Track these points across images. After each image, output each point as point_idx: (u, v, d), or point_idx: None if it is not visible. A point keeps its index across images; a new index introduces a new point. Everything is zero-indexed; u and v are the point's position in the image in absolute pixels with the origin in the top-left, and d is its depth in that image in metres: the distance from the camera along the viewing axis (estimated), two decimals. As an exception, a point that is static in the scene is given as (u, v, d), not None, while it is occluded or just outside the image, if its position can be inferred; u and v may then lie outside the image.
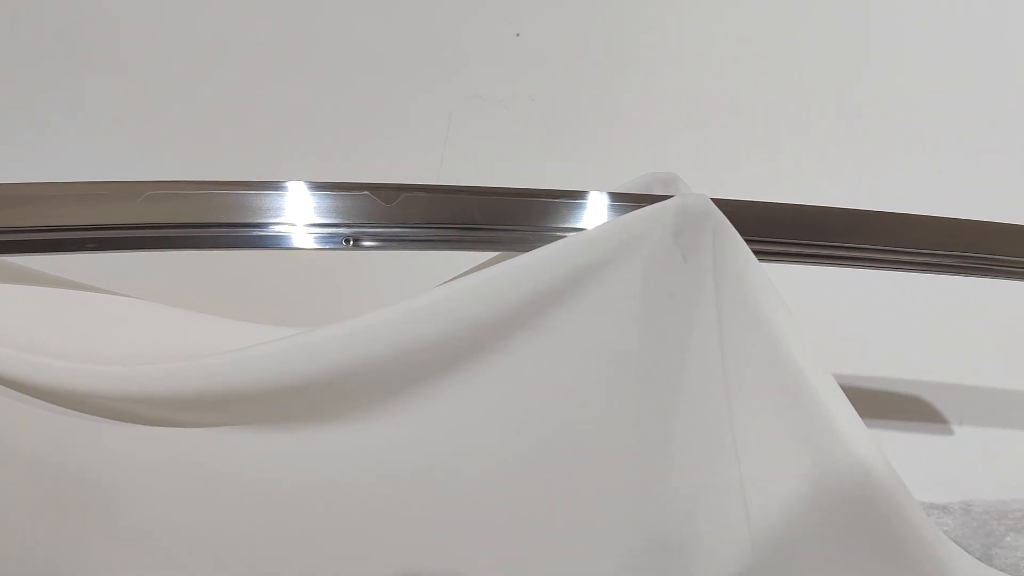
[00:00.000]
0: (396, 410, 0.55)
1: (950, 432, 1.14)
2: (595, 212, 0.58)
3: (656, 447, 0.57)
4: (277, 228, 0.59)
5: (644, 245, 0.55)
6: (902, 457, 1.12)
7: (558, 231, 0.57)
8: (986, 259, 0.69)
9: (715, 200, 0.61)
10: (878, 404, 1.13)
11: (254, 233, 0.59)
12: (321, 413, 0.54)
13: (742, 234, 0.61)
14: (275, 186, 0.57)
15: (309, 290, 0.92)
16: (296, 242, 0.58)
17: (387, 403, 0.55)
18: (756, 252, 0.62)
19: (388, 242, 0.57)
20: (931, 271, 0.69)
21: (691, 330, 0.56)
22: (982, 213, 0.74)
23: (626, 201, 0.58)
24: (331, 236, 0.58)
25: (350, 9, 0.92)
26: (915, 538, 0.56)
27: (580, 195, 0.58)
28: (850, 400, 1.10)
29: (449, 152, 0.97)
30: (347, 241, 0.58)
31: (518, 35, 0.94)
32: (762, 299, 0.57)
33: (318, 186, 0.58)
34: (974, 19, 0.99)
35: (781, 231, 0.62)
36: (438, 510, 0.55)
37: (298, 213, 0.57)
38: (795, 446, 0.58)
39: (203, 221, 0.58)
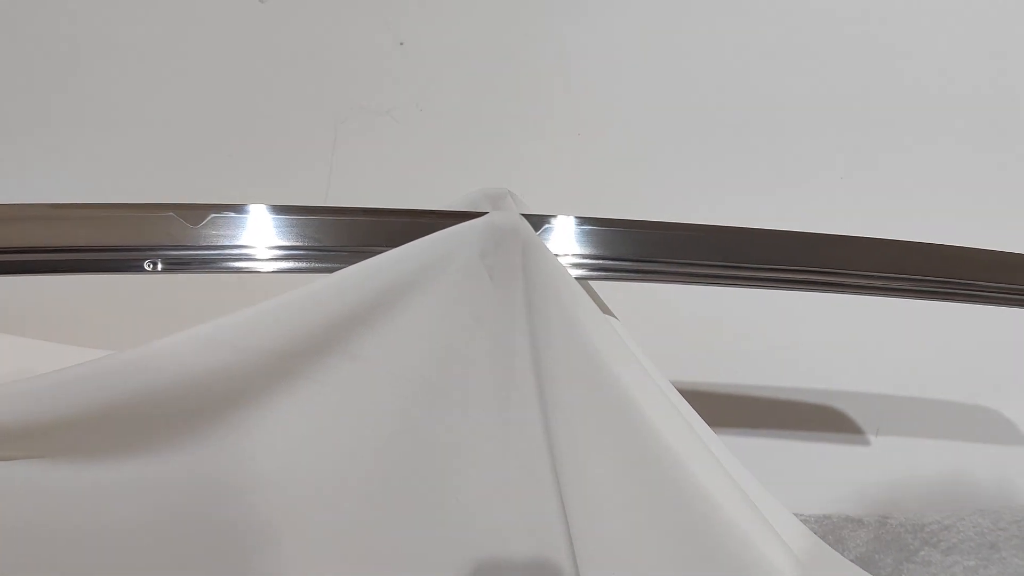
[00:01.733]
0: (192, 441, 0.52)
1: (866, 443, 1.12)
2: (406, 231, 0.55)
3: (470, 475, 0.54)
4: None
5: (449, 265, 0.53)
6: (817, 469, 1.11)
7: (366, 251, 0.55)
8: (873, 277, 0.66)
9: (539, 216, 0.59)
10: (793, 415, 1.11)
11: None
12: (109, 446, 0.51)
13: (578, 252, 0.59)
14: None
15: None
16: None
17: (183, 434, 0.52)
18: (593, 269, 0.60)
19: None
20: (821, 290, 0.67)
21: (502, 354, 0.54)
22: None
23: (443, 219, 0.56)
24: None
25: (227, 20, 0.90)
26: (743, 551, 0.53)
27: (390, 213, 0.55)
28: (768, 411, 1.09)
29: (337, 164, 0.95)
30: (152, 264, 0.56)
31: (401, 44, 0.92)
32: (579, 319, 0.54)
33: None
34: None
35: (615, 248, 0.60)
36: (236, 545, 0.53)
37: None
38: (621, 470, 0.56)
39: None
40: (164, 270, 0.55)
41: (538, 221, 0.59)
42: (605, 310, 0.68)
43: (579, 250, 0.59)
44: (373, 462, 0.54)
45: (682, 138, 0.97)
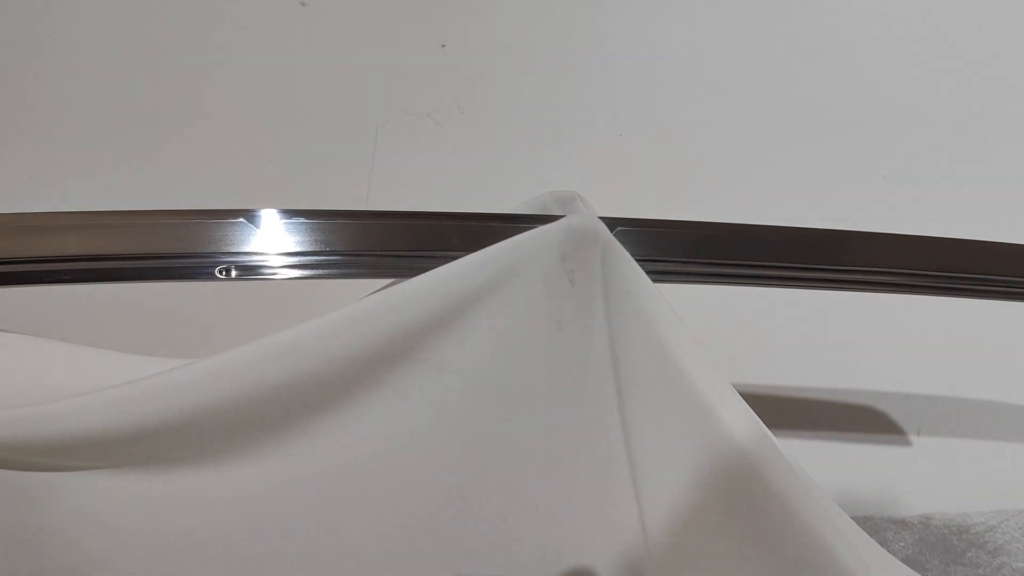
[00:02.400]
0: (270, 453, 0.52)
1: (908, 444, 1.11)
2: (482, 235, 0.54)
3: (549, 481, 0.54)
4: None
5: (528, 270, 0.52)
6: (860, 470, 1.10)
7: (442, 256, 0.54)
8: (931, 275, 0.65)
9: (612, 219, 0.58)
10: (835, 416, 1.10)
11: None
12: (190, 456, 0.51)
13: (644, 254, 0.58)
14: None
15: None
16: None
17: (264, 444, 0.52)
18: (662, 272, 0.59)
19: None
20: (860, 289, 0.66)
21: (582, 358, 0.53)
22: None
23: (516, 222, 0.55)
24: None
25: (268, 23, 0.89)
26: (796, 525, 0.52)
27: (466, 217, 0.55)
28: (807, 412, 1.08)
29: (378, 168, 0.94)
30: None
31: (443, 46, 0.91)
32: (657, 323, 0.54)
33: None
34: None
35: (684, 250, 0.59)
36: (318, 554, 0.52)
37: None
38: (699, 480, 0.55)
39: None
40: (237, 277, 0.54)
41: (611, 224, 0.58)
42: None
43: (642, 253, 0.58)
44: (453, 468, 0.53)
45: (727, 139, 0.96)
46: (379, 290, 0.54)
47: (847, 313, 1.06)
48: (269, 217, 0.54)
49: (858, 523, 1.05)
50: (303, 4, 0.89)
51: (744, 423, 0.56)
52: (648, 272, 0.59)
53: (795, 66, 0.96)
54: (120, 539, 0.51)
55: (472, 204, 0.96)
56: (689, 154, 0.97)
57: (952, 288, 0.66)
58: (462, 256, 0.52)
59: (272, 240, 0.54)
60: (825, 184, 0.97)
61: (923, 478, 1.09)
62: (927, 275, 0.65)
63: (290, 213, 0.54)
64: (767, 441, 0.57)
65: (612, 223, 0.58)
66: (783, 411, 1.08)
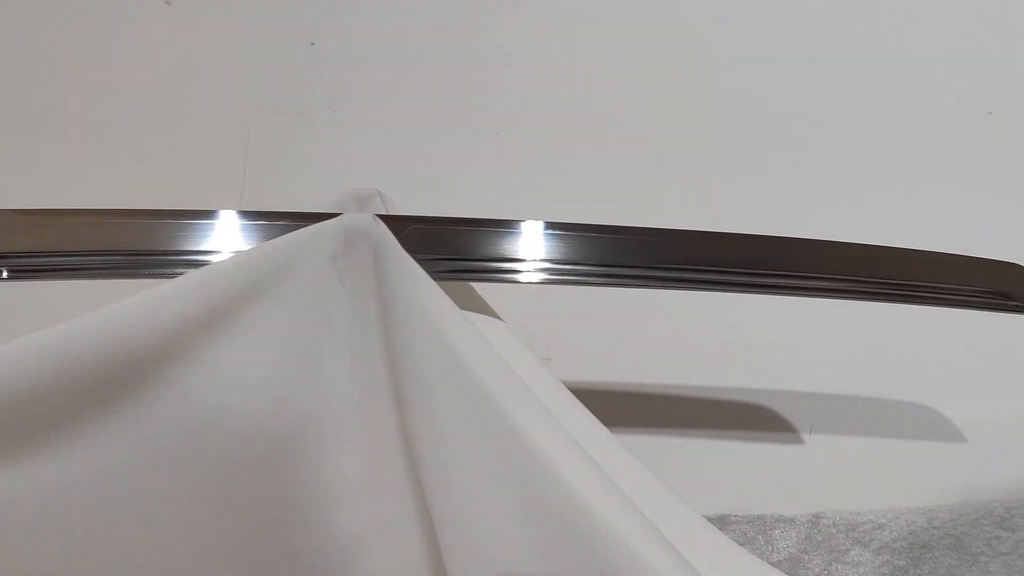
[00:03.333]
0: (38, 455, 0.51)
1: (800, 442, 1.10)
2: (257, 233, 0.54)
3: (325, 480, 0.53)
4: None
5: (298, 269, 0.52)
6: (752, 468, 1.09)
7: (215, 255, 0.53)
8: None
9: (406, 217, 0.58)
10: (726, 415, 1.09)
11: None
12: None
13: (442, 252, 0.58)
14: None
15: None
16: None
17: (30, 446, 0.51)
18: (462, 271, 0.59)
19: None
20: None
21: (356, 358, 0.52)
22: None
23: (296, 220, 0.55)
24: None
25: (133, 23, 0.89)
26: (594, 522, 0.52)
27: (241, 215, 0.54)
28: (698, 411, 1.08)
29: (251, 166, 0.94)
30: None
31: (312, 44, 0.91)
32: (440, 321, 0.53)
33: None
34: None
35: (480, 249, 0.58)
36: (76, 559, 0.51)
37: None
38: (487, 473, 0.54)
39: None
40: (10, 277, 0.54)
41: (404, 222, 0.57)
42: (489, 312, 0.67)
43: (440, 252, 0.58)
44: (223, 468, 0.52)
45: (604, 138, 0.96)
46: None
47: (736, 311, 1.06)
48: None
49: (748, 522, 1.05)
50: (168, 3, 0.89)
51: (535, 420, 0.55)
52: (449, 271, 0.58)
53: (674, 63, 0.95)
54: None
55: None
56: (567, 153, 0.96)
57: (856, 292, 0.66)
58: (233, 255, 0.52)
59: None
60: (698, 184, 0.97)
61: (815, 476, 1.09)
62: (771, 274, 0.65)
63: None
64: (561, 438, 0.56)
65: (406, 221, 0.58)
66: (673, 410, 1.08)
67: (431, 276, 0.58)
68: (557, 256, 0.60)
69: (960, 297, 0.62)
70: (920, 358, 1.09)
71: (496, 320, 0.67)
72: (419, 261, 0.58)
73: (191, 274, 0.51)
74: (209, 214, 0.54)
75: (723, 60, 0.94)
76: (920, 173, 1.00)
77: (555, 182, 0.96)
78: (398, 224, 0.58)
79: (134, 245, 0.55)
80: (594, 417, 0.72)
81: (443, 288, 0.63)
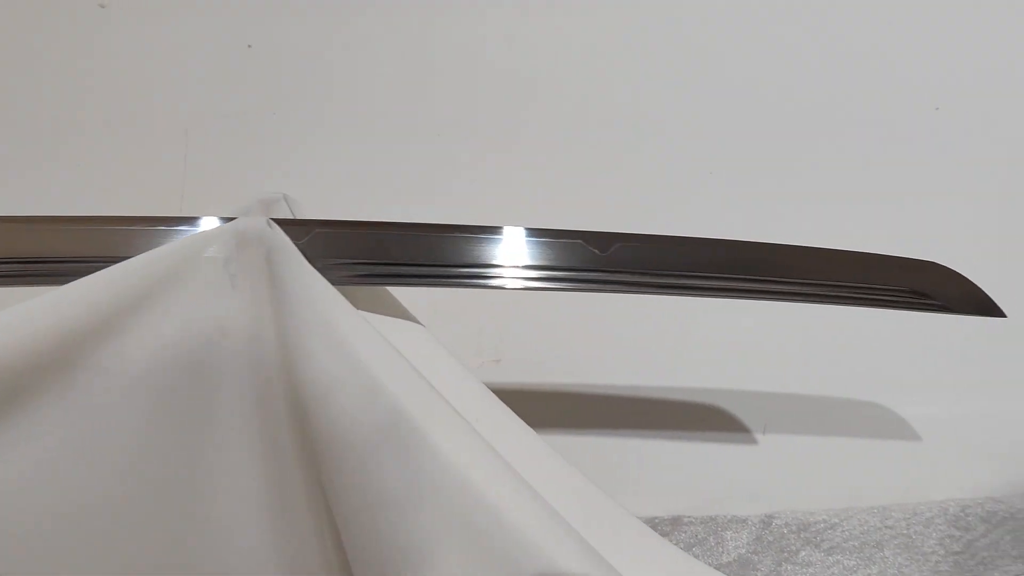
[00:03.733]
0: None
1: (754, 442, 1.10)
2: (151, 239, 0.53)
3: (220, 488, 0.52)
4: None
5: (191, 273, 0.51)
6: (706, 469, 1.09)
7: (109, 260, 0.53)
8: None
9: (311, 221, 0.57)
10: (679, 415, 1.09)
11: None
12: None
13: (347, 256, 0.57)
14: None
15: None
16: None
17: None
18: (367, 275, 0.58)
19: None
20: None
21: (250, 364, 0.52)
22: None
23: (195, 225, 0.54)
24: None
25: (69, 26, 0.88)
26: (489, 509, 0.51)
27: (135, 221, 0.54)
28: (651, 412, 1.07)
29: (191, 169, 0.93)
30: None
31: (249, 46, 0.90)
32: (338, 323, 0.52)
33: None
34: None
35: (382, 253, 0.58)
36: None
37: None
38: (393, 477, 0.54)
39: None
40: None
41: (308, 227, 0.57)
42: (406, 316, 0.66)
43: (360, 257, 0.57)
44: (116, 475, 0.52)
45: (537, 140, 0.95)
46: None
47: (685, 312, 1.05)
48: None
49: (700, 523, 1.04)
50: (103, 6, 0.88)
51: (441, 423, 0.54)
52: (359, 275, 0.58)
53: (611, 66, 0.95)
54: None
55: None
56: (508, 155, 0.96)
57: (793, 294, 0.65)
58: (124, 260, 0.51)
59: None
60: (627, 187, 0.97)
61: (769, 476, 1.08)
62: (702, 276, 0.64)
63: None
64: (470, 442, 0.56)
65: (310, 225, 0.57)
66: (626, 411, 1.07)
67: (342, 280, 0.58)
68: (467, 260, 0.59)
69: (880, 297, 0.61)
70: (874, 356, 1.08)
71: (414, 325, 0.66)
72: (327, 266, 0.58)
73: (83, 280, 0.51)
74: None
75: (669, 63, 0.94)
76: (869, 169, 0.99)
77: (496, 183, 0.95)
78: (301, 228, 0.57)
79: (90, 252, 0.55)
80: (521, 421, 0.71)
81: (356, 293, 0.62)
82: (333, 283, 0.58)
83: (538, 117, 0.93)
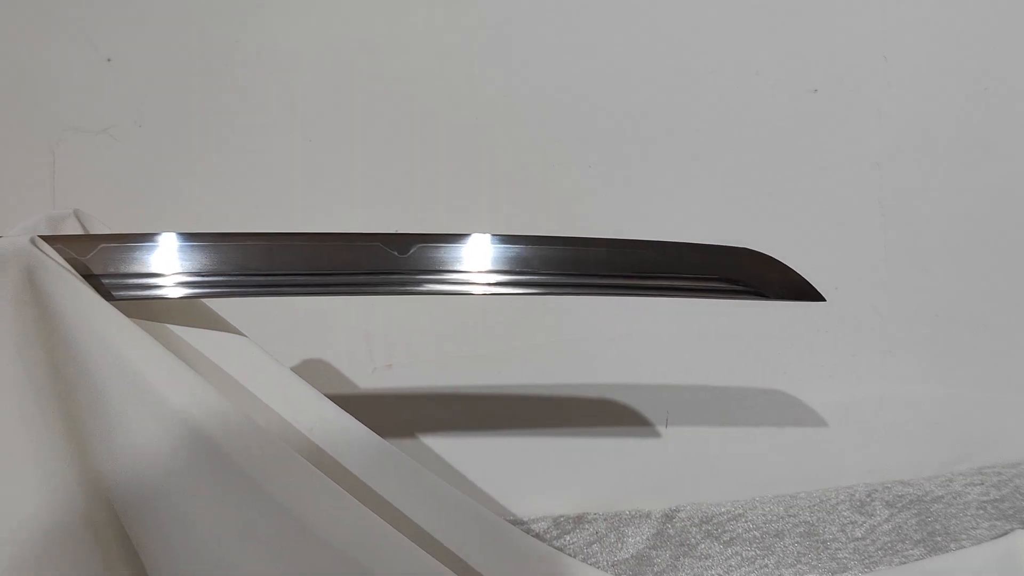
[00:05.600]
0: None
1: (657, 435, 1.08)
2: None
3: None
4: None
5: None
6: (608, 464, 1.08)
7: None
8: None
9: (97, 236, 0.57)
10: (578, 411, 1.07)
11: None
12: None
13: (135, 269, 0.57)
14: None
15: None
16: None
17: None
18: (151, 285, 0.58)
19: None
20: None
21: (12, 382, 0.51)
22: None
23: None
24: None
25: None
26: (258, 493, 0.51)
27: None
28: (551, 410, 1.06)
29: (60, 186, 0.92)
30: None
31: (109, 60, 0.89)
32: (112, 337, 0.52)
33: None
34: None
35: (171, 263, 0.57)
36: None
37: None
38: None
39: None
40: None
41: (92, 242, 0.56)
42: (223, 326, 0.65)
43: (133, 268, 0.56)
44: None
45: (416, 141, 0.94)
46: None
47: (580, 308, 1.04)
48: None
49: (604, 519, 1.03)
50: (-41, 26, 0.87)
51: (231, 429, 0.54)
52: (149, 287, 0.57)
53: (479, 62, 0.94)
54: None
55: (164, 215, 0.95)
56: (377, 158, 0.95)
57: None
58: None
59: None
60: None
61: (674, 468, 1.07)
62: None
63: None
64: (259, 446, 0.55)
65: (95, 240, 0.57)
66: (525, 410, 1.06)
67: (132, 295, 0.57)
68: (260, 267, 0.58)
69: (689, 286, 0.60)
70: (772, 344, 1.06)
71: (235, 336, 0.66)
72: (119, 280, 0.57)
73: None
74: None
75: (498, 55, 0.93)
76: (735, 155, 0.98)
77: (366, 187, 0.95)
78: (87, 243, 0.56)
79: None
80: (365, 428, 0.70)
81: (167, 306, 0.62)
82: (127, 298, 0.58)
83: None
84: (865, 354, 1.07)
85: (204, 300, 0.64)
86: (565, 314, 1.04)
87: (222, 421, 0.54)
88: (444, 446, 1.05)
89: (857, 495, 1.05)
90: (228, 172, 0.94)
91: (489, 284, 0.58)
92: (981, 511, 1.00)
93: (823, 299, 0.61)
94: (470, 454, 1.07)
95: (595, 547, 1.00)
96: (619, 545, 1.00)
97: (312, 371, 1.00)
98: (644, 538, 1.01)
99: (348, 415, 0.69)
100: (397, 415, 1.04)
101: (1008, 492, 1.02)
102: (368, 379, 1.02)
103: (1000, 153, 0.96)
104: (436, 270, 0.59)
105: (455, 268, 0.59)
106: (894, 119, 0.97)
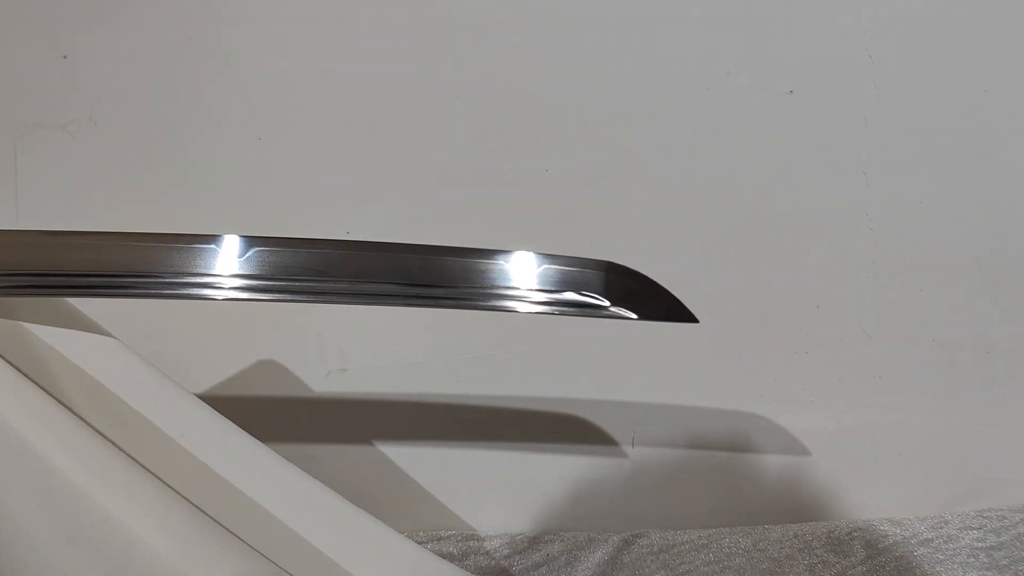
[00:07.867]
0: None
1: (623, 455, 1.02)
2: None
3: None
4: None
5: None
6: (570, 483, 1.02)
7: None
8: None
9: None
10: (540, 426, 1.02)
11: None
12: None
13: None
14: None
15: None
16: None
17: None
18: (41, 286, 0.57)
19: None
20: None
21: None
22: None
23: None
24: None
25: None
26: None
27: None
28: (515, 424, 1.02)
29: (22, 184, 0.94)
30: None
31: (65, 57, 0.91)
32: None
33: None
34: None
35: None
36: None
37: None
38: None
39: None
40: None
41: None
42: (92, 328, 0.65)
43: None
44: None
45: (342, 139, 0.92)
46: None
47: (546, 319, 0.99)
48: None
49: (561, 541, 0.98)
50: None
51: (69, 446, 0.53)
52: (19, 286, 0.57)
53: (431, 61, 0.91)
54: None
55: (127, 213, 0.96)
56: (328, 158, 0.93)
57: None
58: None
59: None
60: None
61: (639, 491, 1.01)
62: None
63: None
64: (103, 461, 0.54)
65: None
66: (485, 422, 1.02)
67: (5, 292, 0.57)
68: (109, 269, 0.57)
69: (541, 301, 0.55)
70: (750, 363, 0.99)
71: (104, 338, 0.65)
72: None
73: None
74: None
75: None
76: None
77: (317, 188, 0.93)
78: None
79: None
80: (243, 432, 0.68)
81: (31, 305, 0.61)
82: None
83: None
84: (853, 379, 0.98)
85: (69, 300, 0.63)
86: (530, 323, 0.99)
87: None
88: (400, 454, 1.02)
89: (836, 532, 0.97)
90: (182, 169, 0.94)
91: (311, 292, 0.55)
92: (972, 559, 0.90)
93: (696, 320, 0.54)
94: (428, 464, 1.03)
95: (543, 570, 0.95)
96: (567, 570, 0.94)
97: (264, 373, 0.99)
98: (594, 564, 0.95)
99: (226, 420, 0.67)
100: (352, 421, 1.02)
101: (1008, 539, 0.92)
102: (322, 383, 1.00)
103: (1000, 160, 0.87)
104: (274, 276, 0.56)
105: (293, 274, 0.56)
106: (881, 123, 0.89)
